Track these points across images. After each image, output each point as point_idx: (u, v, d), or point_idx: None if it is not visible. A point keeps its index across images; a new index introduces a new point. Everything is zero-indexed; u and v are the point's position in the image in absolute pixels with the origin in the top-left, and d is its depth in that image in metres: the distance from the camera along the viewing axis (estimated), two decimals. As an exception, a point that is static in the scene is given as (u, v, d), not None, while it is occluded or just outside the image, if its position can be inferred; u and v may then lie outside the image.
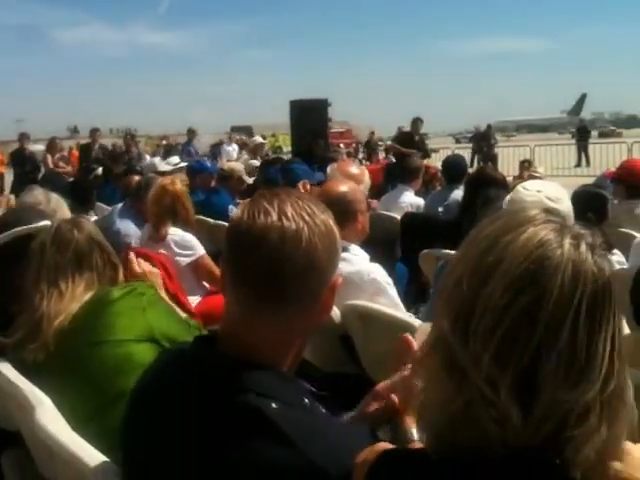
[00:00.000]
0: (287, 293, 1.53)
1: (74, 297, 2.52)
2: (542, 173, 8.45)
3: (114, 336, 2.41)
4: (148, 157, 17.78)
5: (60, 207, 4.41)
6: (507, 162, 22.20)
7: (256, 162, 13.07)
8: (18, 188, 11.79)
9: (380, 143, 28.50)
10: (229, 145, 23.76)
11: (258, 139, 19.01)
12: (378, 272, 3.71)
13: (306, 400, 1.53)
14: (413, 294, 5.30)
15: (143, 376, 1.72)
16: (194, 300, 5.32)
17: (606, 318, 1.15)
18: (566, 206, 3.22)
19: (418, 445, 1.58)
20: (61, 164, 16.20)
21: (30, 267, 2.61)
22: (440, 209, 7.10)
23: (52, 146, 16.81)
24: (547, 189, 3.09)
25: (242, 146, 23.64)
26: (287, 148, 25.34)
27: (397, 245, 5.86)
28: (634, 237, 5.10)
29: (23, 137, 17.18)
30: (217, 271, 5.26)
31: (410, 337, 1.92)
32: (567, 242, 1.16)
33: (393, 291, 3.78)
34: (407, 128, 16.27)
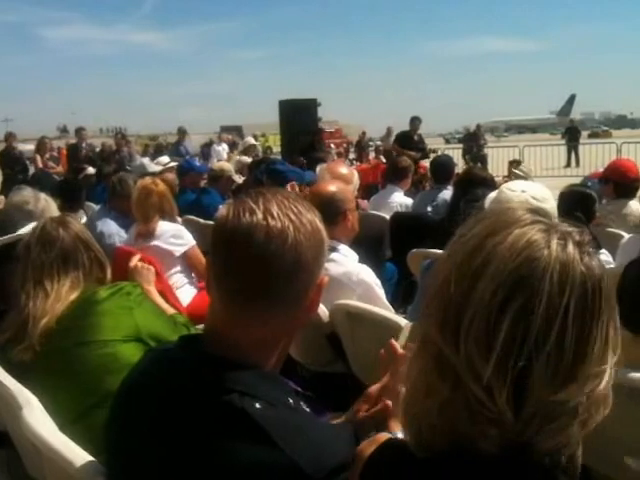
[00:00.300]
0: (272, 292, 1.52)
1: (59, 297, 2.52)
2: (527, 173, 8.40)
3: (101, 336, 2.41)
4: (139, 157, 17.73)
5: (49, 207, 4.40)
6: (497, 162, 22.21)
7: (247, 158, 13.02)
8: (7, 189, 11.71)
9: (370, 143, 28.54)
10: (219, 145, 23.71)
11: (250, 140, 18.96)
12: (367, 273, 3.72)
13: (290, 400, 1.52)
14: (402, 293, 5.31)
15: (128, 376, 1.71)
16: (190, 290, 5.40)
17: (596, 318, 1.14)
18: (551, 206, 3.22)
19: None
20: (50, 164, 16.09)
21: (17, 267, 2.61)
22: (428, 209, 7.13)
23: (42, 146, 16.63)
24: (532, 189, 3.10)
25: (232, 145, 23.62)
26: (277, 148, 25.32)
27: (386, 244, 5.87)
28: (621, 236, 5.12)
29: (10, 136, 16.92)
30: (203, 265, 5.38)
31: (395, 343, 1.92)
32: (554, 242, 1.16)
33: (381, 292, 3.79)
34: (394, 128, 16.20)
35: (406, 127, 15.05)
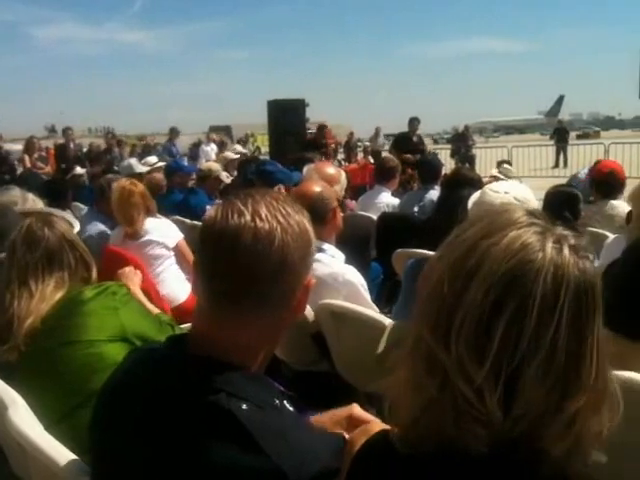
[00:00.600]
0: (259, 293, 1.53)
1: (44, 297, 2.51)
2: (506, 174, 8.42)
3: (86, 336, 2.41)
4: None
5: (36, 207, 4.40)
6: (485, 163, 22.25)
7: (232, 154, 12.98)
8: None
9: (359, 144, 28.47)
10: (207, 145, 23.63)
11: (238, 148, 18.84)
12: (352, 274, 3.74)
13: (276, 400, 1.52)
14: (386, 293, 5.33)
15: (112, 376, 1.71)
16: (185, 281, 5.45)
17: (591, 321, 1.15)
18: (533, 207, 3.22)
19: None
20: (39, 164, 15.98)
21: (2, 267, 2.61)
22: (415, 209, 7.14)
23: (30, 146, 16.52)
24: (514, 190, 3.10)
25: (221, 145, 23.51)
26: (265, 148, 25.24)
27: (372, 244, 5.89)
28: (606, 237, 5.14)
29: (-3, 136, 16.91)
30: (192, 259, 5.44)
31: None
32: (549, 245, 1.16)
33: (367, 293, 3.81)
34: (382, 128, 16.11)
35: (394, 128, 15.07)
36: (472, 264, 1.17)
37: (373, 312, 3.51)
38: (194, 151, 24.05)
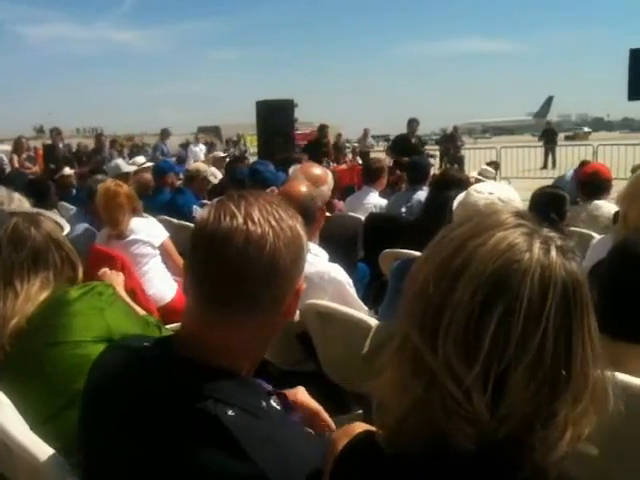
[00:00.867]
0: (249, 297, 1.52)
1: (29, 297, 2.49)
2: (487, 176, 8.44)
3: (72, 337, 2.39)
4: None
5: (22, 206, 4.38)
6: (474, 164, 22.26)
7: (220, 153, 13.01)
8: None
9: (347, 145, 28.49)
10: (196, 146, 23.64)
11: (219, 154, 18.83)
12: (337, 272, 3.75)
13: (263, 403, 1.51)
14: (373, 293, 5.33)
15: (93, 373, 1.71)
16: (171, 280, 5.47)
17: (578, 324, 1.15)
18: (518, 207, 3.24)
19: None
20: (27, 164, 15.95)
21: None
22: (403, 210, 7.16)
23: (18, 146, 16.51)
24: (499, 191, 3.11)
25: (210, 146, 23.54)
26: (254, 149, 25.23)
27: (359, 244, 5.90)
28: (591, 237, 5.16)
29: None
30: (178, 258, 5.51)
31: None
32: (537, 246, 1.16)
33: (353, 290, 3.83)
34: (370, 129, 16.10)
35: (383, 129, 15.09)
36: (459, 264, 1.17)
37: (358, 312, 3.52)
38: (182, 152, 24.08)
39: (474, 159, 23.60)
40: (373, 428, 1.36)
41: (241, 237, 1.48)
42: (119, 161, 10.35)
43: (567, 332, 1.14)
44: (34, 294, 2.51)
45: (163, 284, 5.39)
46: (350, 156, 21.78)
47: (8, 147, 18.35)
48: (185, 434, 1.43)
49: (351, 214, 6.92)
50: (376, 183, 8.01)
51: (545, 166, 29.29)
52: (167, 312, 4.62)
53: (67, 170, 10.93)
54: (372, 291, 5.36)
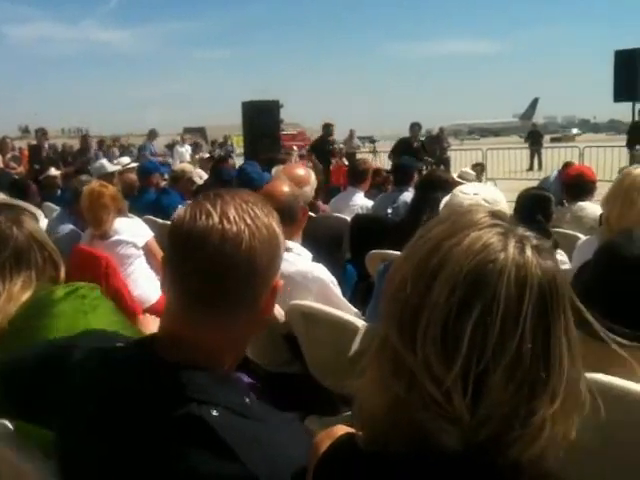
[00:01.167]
0: (226, 295, 1.52)
1: (11, 296, 2.48)
2: (467, 178, 8.48)
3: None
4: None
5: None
6: (460, 165, 22.31)
7: (206, 154, 13.05)
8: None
9: (335, 146, 28.54)
10: (182, 146, 23.64)
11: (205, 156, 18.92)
12: (321, 271, 3.75)
13: (247, 400, 1.51)
14: (360, 295, 5.33)
15: (66, 376, 1.68)
16: (155, 280, 5.45)
17: (556, 324, 1.15)
18: (503, 208, 3.25)
19: None
20: (12, 164, 15.91)
21: None
22: (389, 211, 7.16)
23: (3, 146, 16.48)
24: (484, 192, 3.13)
25: (195, 146, 23.53)
26: (240, 149, 25.24)
27: (345, 246, 5.90)
28: (577, 238, 5.18)
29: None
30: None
31: None
32: (512, 245, 1.16)
33: (337, 289, 3.82)
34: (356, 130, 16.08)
35: (367, 130, 15.15)
36: (435, 265, 1.16)
37: (344, 313, 3.51)
38: (167, 153, 24.11)
39: (460, 160, 23.66)
40: (355, 430, 1.35)
41: (217, 235, 1.48)
42: (104, 161, 10.36)
43: (545, 331, 1.13)
44: (16, 294, 2.50)
45: (148, 285, 5.38)
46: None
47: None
48: (170, 436, 1.42)
49: (337, 215, 6.93)
50: (361, 184, 8.04)
51: (531, 168, 29.43)
52: (153, 313, 4.60)
53: (53, 171, 10.94)
54: (359, 293, 5.36)
